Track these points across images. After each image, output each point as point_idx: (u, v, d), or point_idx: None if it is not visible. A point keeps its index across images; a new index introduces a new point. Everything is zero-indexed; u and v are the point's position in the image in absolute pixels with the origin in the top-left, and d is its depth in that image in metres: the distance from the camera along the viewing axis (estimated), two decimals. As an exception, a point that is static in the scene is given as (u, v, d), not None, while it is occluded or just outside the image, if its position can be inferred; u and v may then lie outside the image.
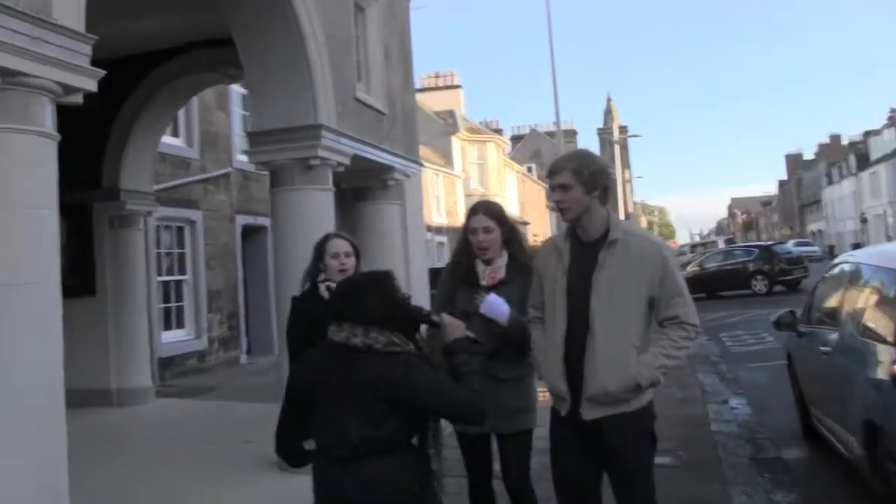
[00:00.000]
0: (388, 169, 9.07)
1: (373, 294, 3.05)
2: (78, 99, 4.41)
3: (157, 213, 12.85)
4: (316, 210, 7.16)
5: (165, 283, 13.68)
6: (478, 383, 3.18)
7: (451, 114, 35.99)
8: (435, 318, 3.34)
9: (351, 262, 4.52)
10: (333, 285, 4.35)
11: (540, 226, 50.42)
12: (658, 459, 3.74)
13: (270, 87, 7.18)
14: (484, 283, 4.22)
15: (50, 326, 4.27)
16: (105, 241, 10.63)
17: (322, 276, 4.53)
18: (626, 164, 71.04)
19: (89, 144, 10.37)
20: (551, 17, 18.94)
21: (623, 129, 69.63)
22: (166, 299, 13.75)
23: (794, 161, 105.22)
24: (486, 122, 52.97)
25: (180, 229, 14.16)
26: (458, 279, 4.37)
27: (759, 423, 7.91)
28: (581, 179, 3.51)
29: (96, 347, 10.44)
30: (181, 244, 14.19)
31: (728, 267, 27.75)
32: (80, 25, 4.34)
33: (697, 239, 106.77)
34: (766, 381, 10.35)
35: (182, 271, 14.16)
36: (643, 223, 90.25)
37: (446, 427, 3.58)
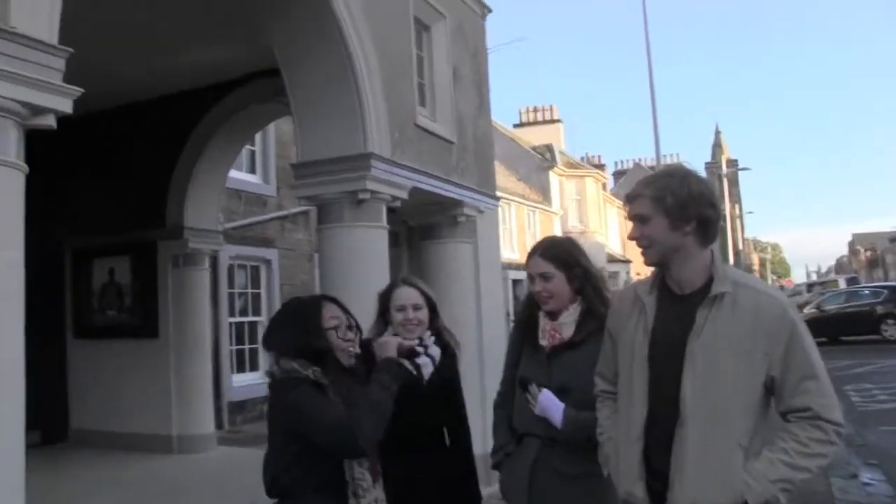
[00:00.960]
0: (458, 204, 8.27)
1: (283, 321, 3.06)
2: (49, 122, 3.77)
3: (230, 252, 12.47)
4: (367, 250, 6.45)
5: (238, 324, 13.18)
6: (380, 406, 2.86)
7: (548, 148, 35.12)
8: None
9: (422, 315, 3.72)
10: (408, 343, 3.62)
11: (644, 266, 48.79)
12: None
13: (315, 113, 6.52)
14: (544, 343, 3.31)
15: (4, 385, 3.55)
16: (169, 281, 10.17)
17: (390, 331, 3.71)
18: (735, 200, 68.60)
19: (155, 181, 10.08)
20: (650, 46, 17.93)
21: (732, 163, 67.24)
22: (239, 341, 13.21)
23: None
24: (587, 156, 51.84)
25: (255, 269, 13.69)
26: (521, 337, 3.52)
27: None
28: (664, 208, 2.58)
29: (158, 391, 9.99)
30: (256, 284, 13.70)
31: (852, 309, 25.19)
32: (50, 36, 3.70)
33: (815, 278, 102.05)
34: (908, 452, 8.75)
35: (256, 312, 13.63)
36: (755, 261, 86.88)
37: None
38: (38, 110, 3.67)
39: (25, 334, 10.24)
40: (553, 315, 3.32)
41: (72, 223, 10.76)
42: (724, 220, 51.45)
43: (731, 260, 54.86)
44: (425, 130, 7.55)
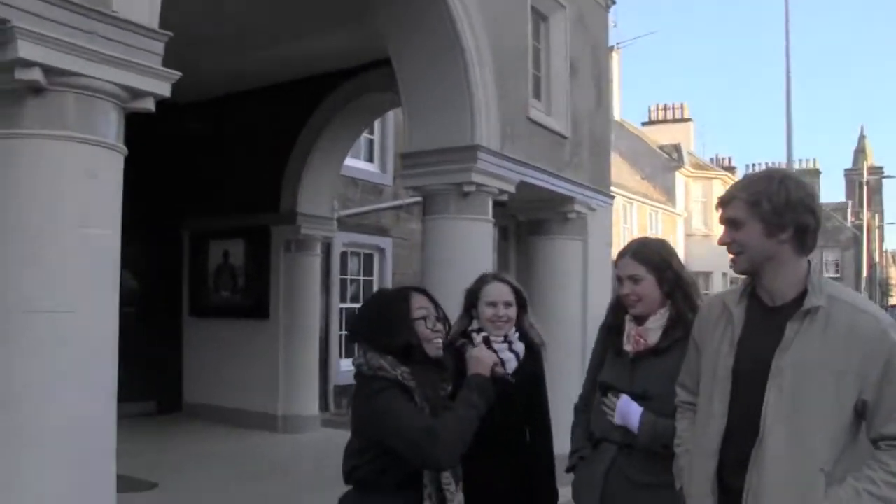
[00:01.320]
0: (568, 200, 8.08)
1: (371, 314, 2.97)
2: (148, 105, 3.79)
3: (344, 239, 12.61)
4: (471, 243, 6.36)
5: (349, 310, 13.32)
6: (466, 424, 2.75)
7: (676, 148, 34.23)
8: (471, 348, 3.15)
9: (511, 312, 3.61)
10: (492, 338, 3.55)
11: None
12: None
13: (424, 103, 6.47)
14: (628, 348, 3.16)
15: (97, 361, 3.61)
16: (280, 265, 10.38)
17: (475, 325, 3.64)
18: (876, 209, 65.37)
19: (270, 167, 10.30)
20: (789, 43, 17.16)
21: (876, 170, 64.07)
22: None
23: None
24: (716, 158, 50.33)
25: (368, 256, 13.80)
26: (605, 341, 3.37)
27: None
28: (759, 214, 2.39)
29: (267, 371, 10.26)
30: (368, 272, 13.82)
31: None
32: (150, 20, 3.74)
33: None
34: None
35: (368, 299, 13.74)
36: (893, 275, 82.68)
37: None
38: (137, 94, 3.70)
39: (147, 312, 10.69)
40: (640, 320, 3.16)
41: (190, 206, 11.12)
42: (861, 231, 49.24)
43: (866, 273, 52.45)
44: (538, 124, 7.40)
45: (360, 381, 2.83)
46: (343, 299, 13.09)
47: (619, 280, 3.21)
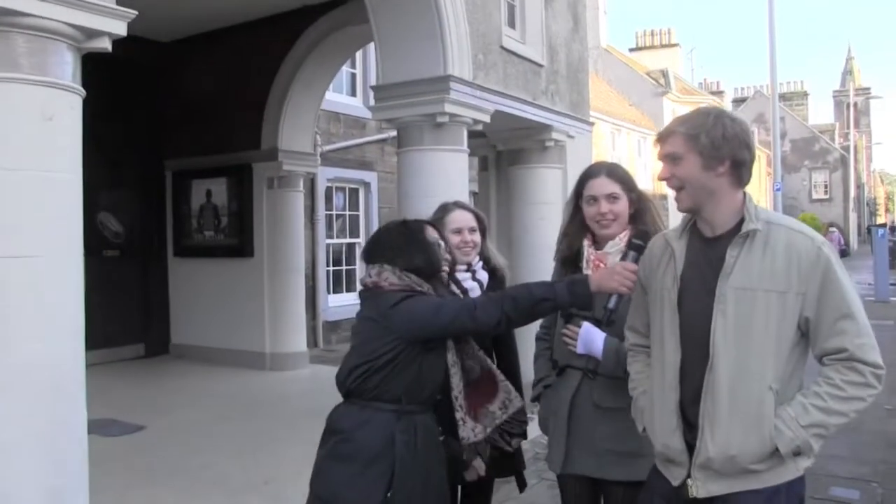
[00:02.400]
0: (546, 128, 8.07)
1: (398, 238, 3.03)
2: (104, 45, 3.71)
3: (328, 174, 12.59)
4: (446, 173, 6.34)
5: (336, 245, 13.36)
6: (531, 309, 2.82)
7: (663, 73, 33.91)
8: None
9: (476, 238, 3.63)
10: (457, 267, 3.57)
11: (760, 196, 47.20)
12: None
13: (396, 35, 6.40)
14: (588, 272, 3.11)
15: (62, 305, 3.61)
16: (264, 202, 10.36)
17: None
18: (864, 130, 65.20)
19: (250, 104, 10.21)
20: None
21: (863, 90, 63.80)
22: (336, 262, 13.40)
23: None
24: (705, 82, 49.99)
25: (354, 191, 13.78)
26: (564, 267, 3.34)
27: None
28: (697, 148, 2.43)
29: (253, 309, 10.31)
30: (354, 206, 13.81)
31: None
32: (101, -46, 3.66)
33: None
34: None
35: (354, 234, 13.77)
36: (880, 195, 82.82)
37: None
38: (91, 33, 3.64)
39: (131, 255, 10.69)
40: (598, 244, 3.19)
41: (172, 146, 11.07)
42: (849, 152, 49.17)
43: (854, 193, 52.56)
44: (512, 53, 7.33)
45: (377, 294, 2.92)
46: (329, 235, 13.11)
47: (590, 200, 3.19)
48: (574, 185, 3.33)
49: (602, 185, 3.17)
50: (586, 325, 3.10)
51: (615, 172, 3.22)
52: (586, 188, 3.22)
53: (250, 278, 10.34)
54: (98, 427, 6.77)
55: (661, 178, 2.55)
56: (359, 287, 3.08)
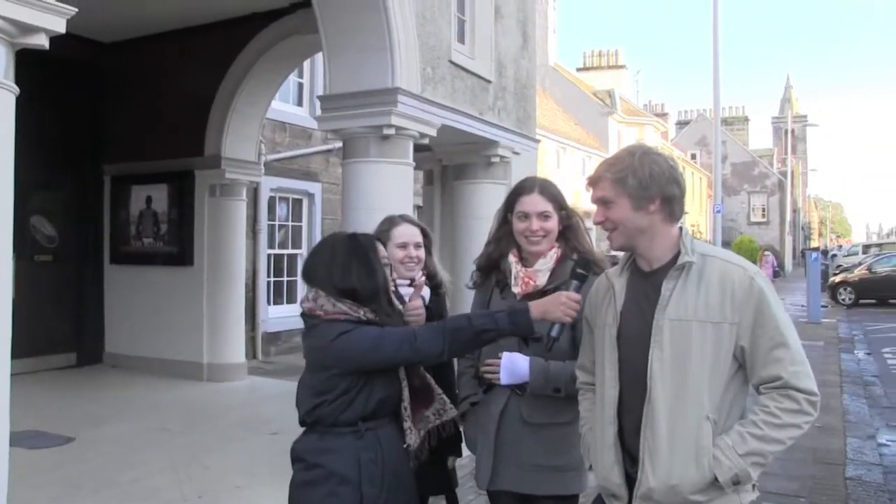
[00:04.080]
0: (492, 144, 8.04)
1: (334, 251, 2.89)
2: (40, 41, 3.59)
3: (272, 184, 12.46)
4: (391, 187, 6.27)
5: (277, 256, 13.19)
6: (472, 340, 2.79)
7: (609, 94, 34.41)
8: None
9: (421, 253, 3.60)
10: (399, 282, 3.51)
11: (700, 217, 47.95)
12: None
13: (345, 45, 6.33)
14: (516, 290, 3.13)
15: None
16: (205, 210, 10.19)
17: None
18: (801, 157, 66.74)
19: (195, 110, 10.06)
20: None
21: (800, 118, 65.30)
22: (277, 273, 13.23)
23: None
24: (650, 104, 50.75)
25: (297, 201, 13.64)
26: (486, 284, 3.33)
27: (915, 473, 6.31)
28: (626, 190, 2.45)
29: (190, 319, 10.13)
30: (297, 217, 13.67)
31: None
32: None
33: (875, 239, 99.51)
34: (933, 416, 8.56)
35: (296, 245, 13.62)
36: (814, 220, 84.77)
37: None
38: (27, 28, 3.51)
39: (66, 260, 10.42)
40: (527, 261, 3.17)
41: (112, 150, 10.83)
42: (786, 177, 50.26)
43: (790, 217, 53.71)
44: (461, 67, 7.31)
45: (315, 324, 2.82)
46: (271, 245, 12.97)
47: (522, 217, 3.16)
48: (505, 198, 3.32)
49: (534, 203, 3.16)
50: (506, 354, 3.07)
51: (548, 190, 3.21)
52: (518, 203, 3.20)
53: (189, 287, 10.16)
54: (23, 439, 6.56)
55: (596, 223, 2.56)
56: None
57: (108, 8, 9.12)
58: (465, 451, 3.53)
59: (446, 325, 2.84)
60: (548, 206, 3.15)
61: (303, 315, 2.89)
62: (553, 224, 3.16)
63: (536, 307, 2.79)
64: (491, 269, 3.30)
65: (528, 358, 3.04)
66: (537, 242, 3.14)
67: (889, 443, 7.15)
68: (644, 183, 2.43)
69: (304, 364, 2.92)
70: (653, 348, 2.41)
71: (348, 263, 2.85)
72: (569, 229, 3.21)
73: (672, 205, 2.48)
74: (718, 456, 2.32)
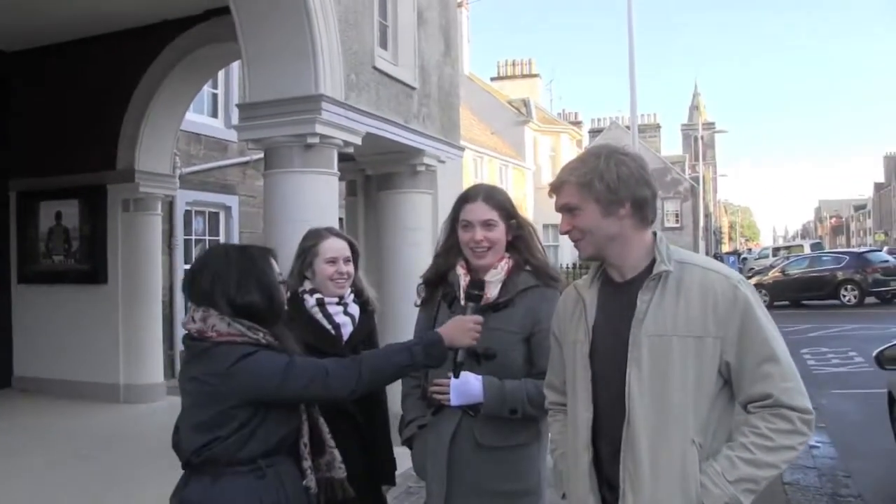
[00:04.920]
0: (417, 152, 7.89)
1: (224, 263, 2.58)
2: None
3: (187, 198, 12.08)
4: (316, 198, 6.06)
5: (196, 271, 12.80)
6: (391, 373, 2.68)
7: (524, 103, 34.67)
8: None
9: (351, 269, 3.40)
10: (327, 300, 3.32)
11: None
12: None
13: (265, 51, 6.12)
14: (464, 303, 2.94)
15: None
16: (119, 226, 9.81)
17: (307, 286, 3.38)
18: (710, 162, 68.52)
19: (106, 121, 9.69)
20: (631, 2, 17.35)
21: (709, 125, 67.03)
22: (195, 289, 12.81)
23: (893, 163, 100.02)
24: (563, 113, 51.37)
25: (214, 215, 13.27)
26: (432, 297, 3.16)
27: (846, 473, 6.40)
28: (593, 195, 2.26)
29: (105, 339, 9.73)
30: (214, 231, 13.29)
31: (814, 274, 25.27)
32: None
33: (782, 242, 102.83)
34: (855, 416, 8.73)
35: (215, 260, 13.24)
36: (725, 224, 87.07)
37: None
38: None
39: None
40: (477, 273, 2.98)
41: (17, 165, 10.32)
42: (698, 183, 51.45)
43: (702, 223, 54.97)
44: (385, 74, 7.15)
45: (206, 349, 2.50)
46: (188, 260, 12.53)
47: (465, 226, 3.00)
48: (452, 207, 3.14)
49: (478, 211, 2.99)
50: (455, 379, 2.85)
51: (493, 197, 3.03)
52: (462, 212, 3.03)
53: (103, 306, 9.75)
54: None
55: (562, 232, 2.37)
56: (181, 332, 2.63)
57: (9, 14, 8.71)
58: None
59: (363, 360, 2.64)
60: (492, 215, 2.97)
61: (187, 339, 2.58)
62: (499, 234, 2.98)
63: (445, 336, 2.67)
64: (439, 283, 3.12)
65: (480, 377, 2.85)
66: (482, 254, 2.97)
67: (819, 444, 7.19)
68: (612, 186, 2.24)
69: (182, 401, 2.60)
70: (630, 366, 2.21)
71: (244, 279, 2.57)
72: (519, 239, 3.04)
73: (644, 208, 2.29)
74: (707, 484, 2.13)
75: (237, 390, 2.46)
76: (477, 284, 2.86)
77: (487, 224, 2.96)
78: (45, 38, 9.76)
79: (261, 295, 2.58)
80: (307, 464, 2.68)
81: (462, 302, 2.96)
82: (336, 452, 2.84)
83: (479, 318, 2.73)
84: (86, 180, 9.82)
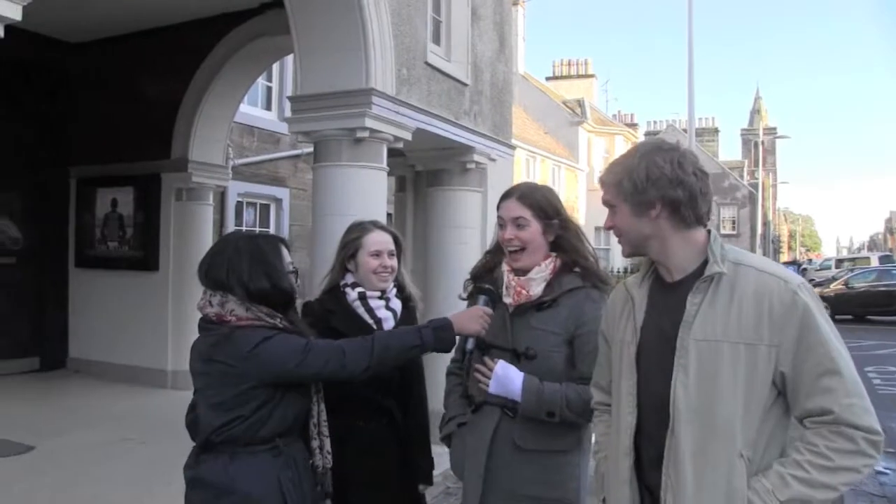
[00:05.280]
0: (468, 150, 7.86)
1: (237, 252, 2.68)
2: (-6, 29, 3.37)
3: (239, 189, 12.22)
4: (364, 192, 6.06)
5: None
6: (399, 355, 2.78)
7: (579, 103, 34.40)
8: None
9: (395, 262, 3.35)
10: (369, 294, 3.28)
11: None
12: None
13: (317, 44, 6.14)
14: (508, 300, 2.91)
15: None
16: (171, 214, 9.97)
17: (349, 279, 3.36)
18: (770, 169, 67.28)
19: (162, 112, 9.84)
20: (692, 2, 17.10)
21: (770, 130, 65.78)
22: (244, 279, 12.95)
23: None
24: (619, 114, 50.86)
25: (265, 207, 13.41)
26: (471, 278, 3.15)
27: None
28: (623, 194, 2.20)
29: (155, 325, 9.89)
30: (265, 222, 13.43)
31: (882, 288, 24.14)
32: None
33: (846, 253, 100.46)
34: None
35: (264, 251, 13.38)
36: (784, 233, 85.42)
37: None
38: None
39: (30, 263, 10.11)
40: (521, 271, 2.93)
41: (78, 152, 10.56)
42: (757, 190, 50.60)
43: (760, 230, 54.05)
44: (437, 70, 7.14)
45: (225, 333, 2.58)
46: (239, 251, 12.69)
47: (500, 224, 2.97)
48: None
49: (509, 209, 2.95)
50: (502, 363, 2.84)
51: (528, 196, 2.95)
52: (499, 209, 3.02)
53: (154, 293, 9.91)
54: (-19, 448, 6.32)
55: (605, 228, 2.35)
56: (198, 315, 2.70)
57: (73, 7, 8.88)
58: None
59: (375, 340, 2.71)
60: (523, 213, 2.91)
61: (204, 323, 2.67)
62: (530, 234, 2.91)
63: (454, 320, 2.75)
64: (486, 279, 3.08)
65: (522, 374, 2.81)
66: (515, 256, 2.92)
67: (887, 471, 6.89)
68: (640, 187, 2.16)
69: (197, 383, 2.70)
70: (676, 372, 2.11)
71: (253, 267, 2.65)
72: (563, 240, 2.96)
73: (680, 209, 2.16)
74: (755, 501, 2.00)
75: (259, 371, 2.54)
76: (487, 280, 2.96)
77: (517, 222, 2.92)
78: (105, 30, 9.94)
79: (269, 282, 2.65)
80: (316, 444, 2.79)
81: (505, 299, 2.93)
82: (326, 441, 2.89)
83: (489, 310, 2.83)
84: (141, 169, 9.99)
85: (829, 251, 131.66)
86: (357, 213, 5.50)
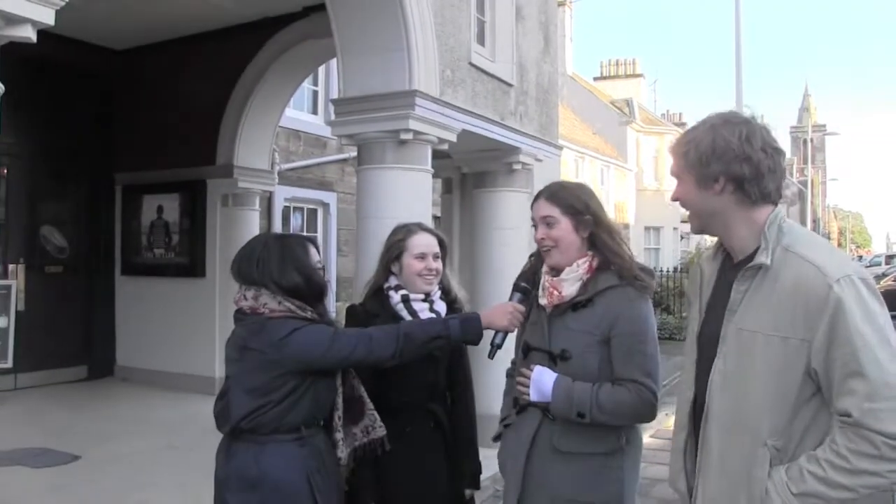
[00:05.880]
0: (514, 150, 7.74)
1: (268, 250, 2.84)
2: (27, 33, 3.29)
3: (286, 194, 12.21)
4: (409, 194, 5.97)
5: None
6: (423, 344, 2.84)
7: (627, 103, 34.04)
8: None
9: (440, 265, 3.30)
10: (412, 296, 3.23)
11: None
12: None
13: (359, 46, 6.06)
14: (543, 302, 2.86)
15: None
16: (217, 220, 9.97)
17: (393, 282, 3.30)
18: (819, 166, 66.20)
19: (207, 117, 9.85)
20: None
21: (819, 127, 64.74)
22: (292, 284, 12.94)
23: None
24: (667, 114, 50.31)
25: (312, 211, 13.39)
26: (519, 278, 3.09)
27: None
28: (688, 165, 2.14)
29: (203, 332, 9.85)
30: (312, 227, 13.41)
31: None
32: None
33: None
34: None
35: (312, 256, 13.36)
36: (834, 229, 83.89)
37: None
38: (11, 19, 3.24)
39: (76, 271, 10.17)
40: (556, 270, 2.87)
41: (123, 159, 10.62)
42: (806, 187, 49.77)
43: (810, 226, 53.17)
44: (481, 70, 7.02)
45: (259, 322, 2.75)
46: (285, 256, 12.69)
47: (533, 225, 2.95)
48: None
49: (539, 208, 2.92)
50: (538, 368, 2.80)
51: (556, 194, 2.91)
52: (531, 210, 2.99)
53: (201, 299, 9.90)
54: (27, 457, 6.34)
55: (672, 199, 2.27)
56: (233, 308, 2.87)
57: (118, 14, 8.92)
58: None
59: (401, 327, 2.83)
60: (551, 211, 2.86)
61: (240, 314, 2.83)
62: (560, 232, 2.85)
63: (484, 315, 2.83)
64: (529, 282, 3.04)
65: (554, 375, 2.76)
66: (547, 253, 2.88)
67: None
68: (704, 159, 2.10)
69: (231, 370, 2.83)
70: (717, 358, 2.10)
71: (283, 264, 2.81)
72: (595, 237, 2.87)
73: (744, 186, 2.08)
74: (770, 491, 1.98)
75: (291, 358, 2.68)
76: (527, 277, 2.97)
77: (547, 221, 2.88)
78: (150, 37, 9.98)
79: (300, 277, 2.80)
80: (339, 435, 2.89)
81: (541, 300, 2.91)
82: (375, 413, 3.00)
83: (521, 307, 2.88)
84: (186, 175, 10.01)
85: (879, 247, 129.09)
86: (401, 216, 5.39)
